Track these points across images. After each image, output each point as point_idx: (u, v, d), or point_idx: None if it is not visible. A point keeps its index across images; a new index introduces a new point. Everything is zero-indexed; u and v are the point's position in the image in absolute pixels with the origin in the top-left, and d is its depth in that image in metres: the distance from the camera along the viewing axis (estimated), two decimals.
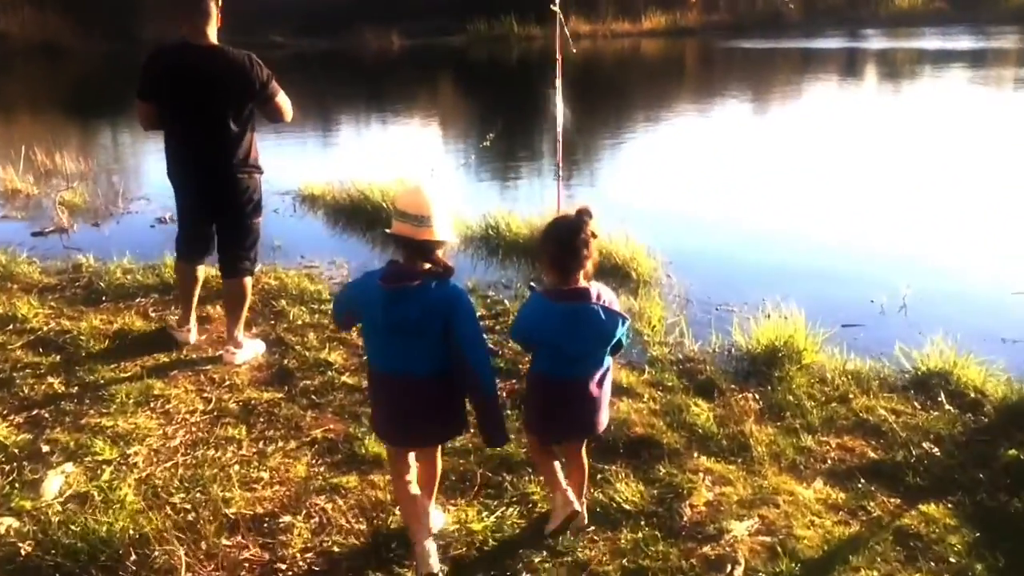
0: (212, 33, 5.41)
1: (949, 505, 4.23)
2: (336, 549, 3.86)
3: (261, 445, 4.73)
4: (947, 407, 5.22)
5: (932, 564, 3.81)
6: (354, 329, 5.04)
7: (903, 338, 6.06)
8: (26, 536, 3.87)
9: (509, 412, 4.93)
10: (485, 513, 4.09)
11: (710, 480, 4.36)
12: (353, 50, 35.03)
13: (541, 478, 4.21)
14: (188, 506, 4.11)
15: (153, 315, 6.54)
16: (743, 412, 5.11)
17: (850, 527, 4.04)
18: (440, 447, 3.96)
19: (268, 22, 34.56)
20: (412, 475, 3.84)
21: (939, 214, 9.88)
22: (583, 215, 3.63)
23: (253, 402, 5.21)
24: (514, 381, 5.41)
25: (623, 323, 3.71)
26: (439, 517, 3.99)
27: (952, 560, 3.83)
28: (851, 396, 5.36)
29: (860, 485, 4.39)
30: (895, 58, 32.05)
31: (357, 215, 10.07)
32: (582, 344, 3.67)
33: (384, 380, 3.71)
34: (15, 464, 4.48)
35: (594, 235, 3.63)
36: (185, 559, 3.71)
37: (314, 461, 4.58)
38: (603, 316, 3.62)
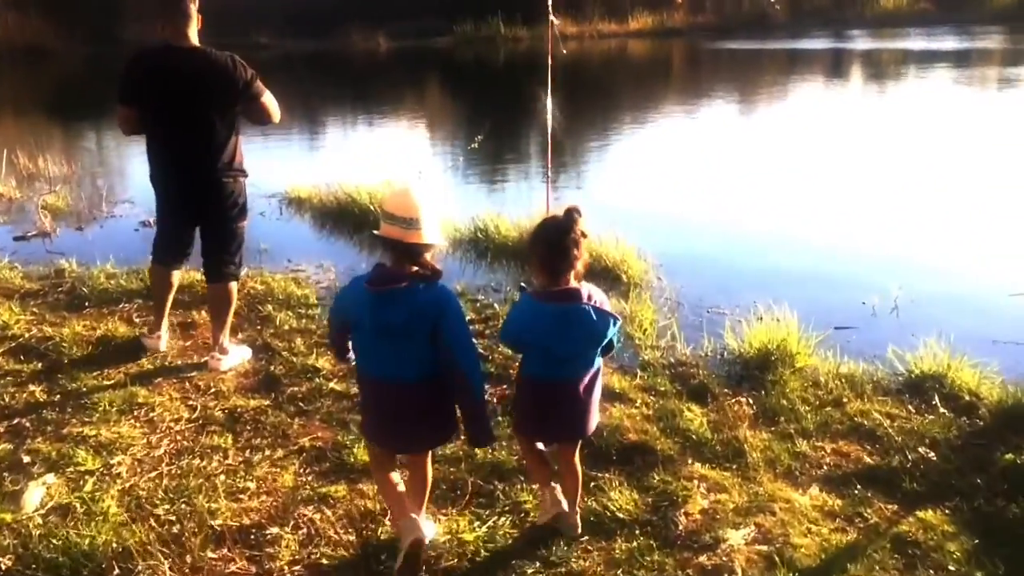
0: (193, 35, 5.32)
1: (947, 511, 4.17)
2: (325, 561, 3.78)
3: (247, 454, 4.64)
4: (942, 410, 5.17)
5: (931, 572, 3.75)
6: None
7: (896, 340, 6.01)
8: (6, 550, 3.77)
9: (500, 418, 4.86)
10: (477, 523, 4.02)
11: (705, 487, 4.30)
12: (340, 51, 34.96)
13: (534, 486, 4.16)
14: (173, 518, 4.03)
15: (137, 321, 6.43)
16: (737, 417, 5.05)
17: (847, 535, 3.98)
18: (430, 454, 3.90)
19: (253, 23, 34.49)
20: (395, 474, 3.86)
21: (927, 215, 9.87)
22: (572, 215, 3.58)
23: (239, 410, 5.12)
24: (504, 386, 5.33)
25: (614, 324, 3.66)
26: (430, 527, 3.91)
27: (951, 568, 3.78)
28: (845, 400, 5.30)
29: (856, 491, 4.33)
30: (880, 59, 32.11)
31: (344, 218, 9.99)
32: (572, 345, 3.62)
33: (374, 386, 3.66)
34: None
35: (584, 235, 3.58)
36: (170, 573, 3.63)
37: (302, 470, 4.49)
38: (594, 316, 3.58)
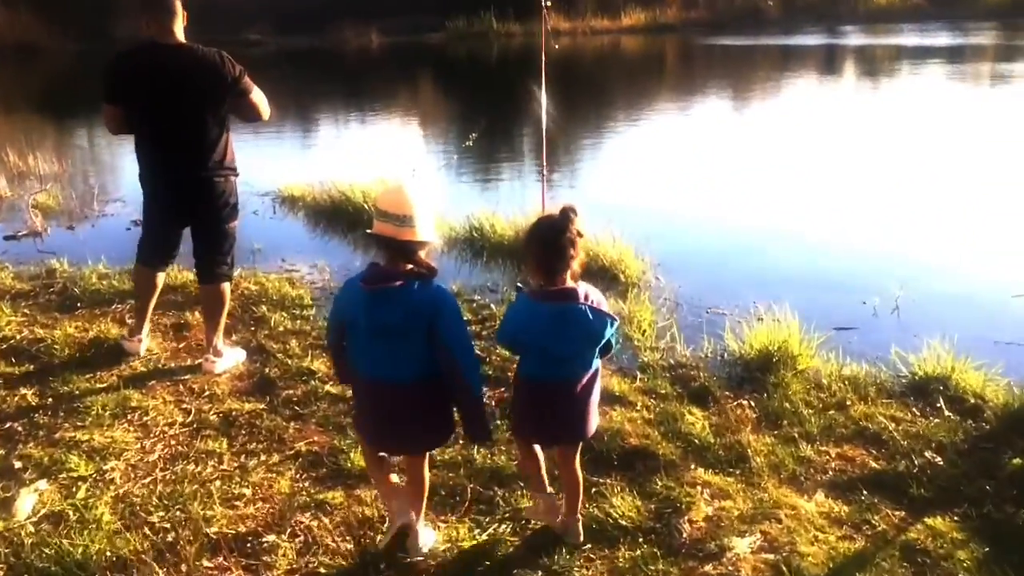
0: (179, 31, 5.22)
1: (955, 518, 4.11)
2: (323, 570, 3.71)
3: (243, 459, 4.56)
4: (947, 413, 5.11)
5: None
6: None
7: (898, 341, 5.95)
8: None
9: (499, 421, 4.79)
10: (477, 531, 3.95)
11: (708, 493, 4.23)
12: (332, 48, 34.85)
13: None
14: (167, 525, 3.96)
15: (130, 322, 6.32)
16: (739, 421, 4.98)
17: (855, 542, 3.91)
18: (427, 458, 3.84)
19: (245, 20, 34.39)
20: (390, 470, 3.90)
21: (925, 213, 9.81)
22: (568, 214, 3.53)
23: (234, 413, 5.04)
24: (503, 389, 5.26)
25: (611, 324, 3.61)
26: (429, 535, 3.85)
27: None
28: (849, 403, 5.24)
29: (863, 497, 4.27)
30: (874, 55, 32.14)
31: (338, 216, 9.90)
32: (569, 345, 3.57)
33: (369, 387, 3.60)
34: None
35: (580, 234, 3.53)
36: None
37: (298, 476, 4.42)
38: (590, 316, 3.53)
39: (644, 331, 6.32)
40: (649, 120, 18.45)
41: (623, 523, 3.97)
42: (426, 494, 3.86)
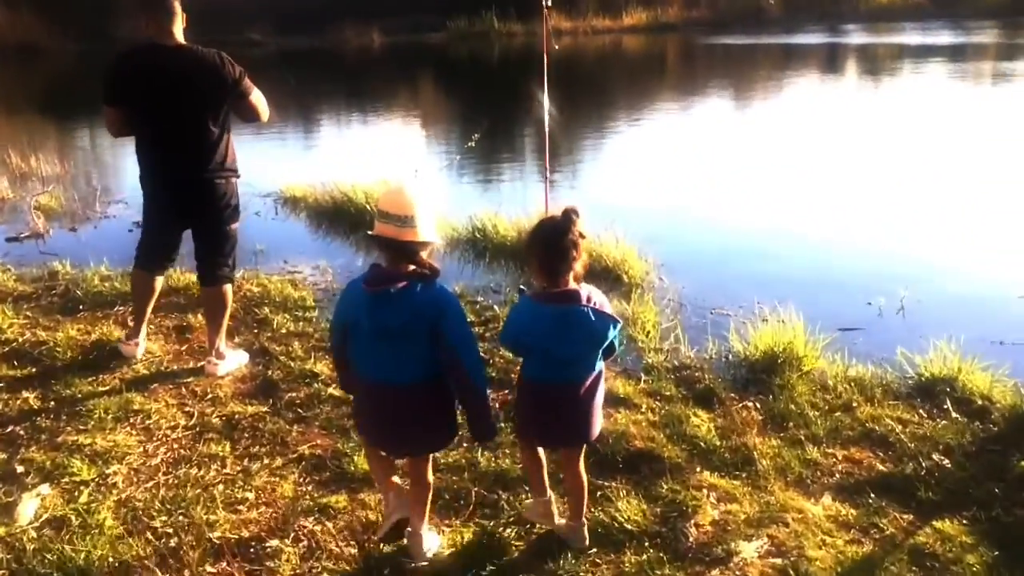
0: (179, 32, 5.19)
1: (964, 521, 4.08)
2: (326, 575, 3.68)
3: (246, 462, 4.54)
4: (954, 415, 5.08)
5: None
6: None
7: (903, 342, 5.92)
8: (0, 565, 3.67)
9: (503, 424, 4.75)
10: (481, 535, 3.92)
11: (715, 497, 4.20)
12: (333, 48, 34.82)
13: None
14: (170, 530, 3.93)
15: (132, 324, 6.30)
16: (745, 423, 4.95)
17: (863, 546, 3.88)
18: (431, 461, 3.81)
19: (246, 20, 34.38)
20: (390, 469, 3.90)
21: (929, 212, 9.78)
22: (570, 215, 3.51)
23: (237, 416, 5.02)
24: (506, 391, 5.23)
25: (615, 326, 3.59)
26: (434, 539, 3.83)
27: None
28: (855, 404, 5.21)
29: (871, 500, 4.24)
30: (876, 53, 32.11)
31: (340, 217, 9.88)
32: (572, 347, 3.55)
33: (372, 389, 3.58)
34: None
35: (582, 236, 3.52)
36: None
37: (301, 479, 4.39)
38: (593, 318, 3.51)
39: (648, 332, 6.29)
40: (651, 120, 18.42)
41: (629, 527, 3.94)
42: (429, 498, 3.83)
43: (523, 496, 4.18)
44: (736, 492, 4.25)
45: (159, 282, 5.76)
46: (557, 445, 3.93)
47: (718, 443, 4.71)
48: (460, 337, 3.45)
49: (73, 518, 4.00)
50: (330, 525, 3.99)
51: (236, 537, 3.89)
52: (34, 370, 5.58)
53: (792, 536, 3.89)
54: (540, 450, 3.91)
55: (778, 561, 3.73)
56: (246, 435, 4.82)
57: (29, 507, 4.08)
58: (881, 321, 6.72)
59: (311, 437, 4.78)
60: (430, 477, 3.81)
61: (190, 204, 5.39)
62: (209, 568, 3.69)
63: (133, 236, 8.87)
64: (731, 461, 4.55)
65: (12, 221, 9.86)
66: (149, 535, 3.87)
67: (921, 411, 5.16)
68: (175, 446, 4.70)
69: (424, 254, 3.45)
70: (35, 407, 5.09)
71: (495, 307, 6.77)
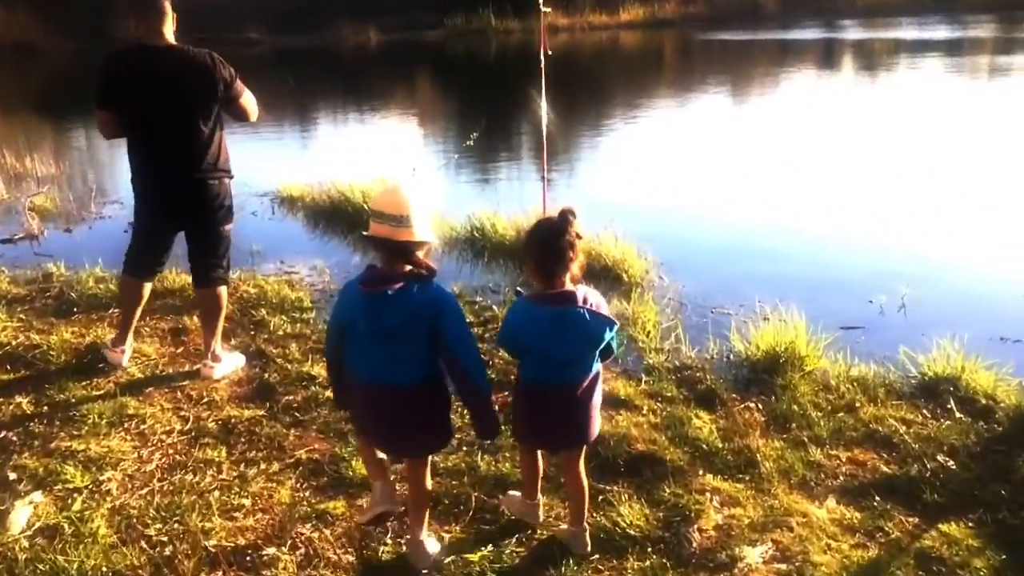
0: (169, 33, 5.11)
1: (970, 524, 4.02)
2: None
3: (242, 468, 4.47)
4: (958, 415, 5.02)
5: None
6: None
7: (905, 340, 5.87)
8: None
9: (502, 428, 4.68)
10: (482, 541, 3.85)
11: (718, 501, 4.14)
12: (330, 46, 34.76)
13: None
14: (165, 538, 3.87)
15: (118, 332, 6.21)
16: (747, 424, 4.89)
17: (868, 551, 3.82)
18: (429, 466, 3.77)
19: (242, 19, 34.36)
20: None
21: (930, 209, 9.72)
22: (567, 216, 3.48)
23: (233, 420, 4.95)
24: (506, 393, 5.15)
25: (611, 328, 3.55)
26: (433, 546, 3.77)
27: None
28: (858, 405, 5.16)
29: (875, 503, 4.18)
30: (872, 48, 32.03)
31: (338, 217, 9.81)
32: (568, 349, 3.52)
33: (368, 391, 3.54)
34: None
35: (579, 236, 3.48)
36: None
37: (298, 485, 4.32)
38: (589, 319, 3.47)
39: (648, 332, 6.23)
40: (649, 116, 18.36)
41: (631, 532, 3.88)
42: (428, 505, 3.78)
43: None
44: (739, 496, 4.19)
45: (147, 289, 5.65)
46: (555, 447, 3.91)
47: (720, 445, 4.65)
48: (459, 337, 3.42)
49: (66, 526, 3.93)
50: (328, 532, 3.93)
51: (232, 545, 3.83)
52: (27, 374, 5.52)
53: (797, 541, 3.84)
54: (539, 455, 3.87)
55: (783, 567, 3.67)
56: (242, 440, 4.76)
57: (21, 515, 4.01)
58: (883, 319, 6.66)
59: (308, 441, 4.72)
60: (428, 483, 3.77)
61: (182, 205, 5.31)
62: None
63: (128, 237, 8.76)
64: (734, 464, 4.50)
65: (6, 222, 9.79)
66: (143, 544, 3.81)
67: (925, 411, 5.10)
68: (170, 451, 4.64)
69: (421, 254, 3.41)
70: (28, 412, 5.03)
71: (494, 307, 6.71)
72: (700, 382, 5.48)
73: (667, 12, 43.67)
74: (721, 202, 10.18)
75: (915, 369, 5.59)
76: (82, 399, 5.17)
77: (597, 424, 3.76)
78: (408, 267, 3.36)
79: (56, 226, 9.75)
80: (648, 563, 3.68)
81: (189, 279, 6.01)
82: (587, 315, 3.46)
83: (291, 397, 5.23)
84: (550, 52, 6.72)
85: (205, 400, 5.21)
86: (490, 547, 3.81)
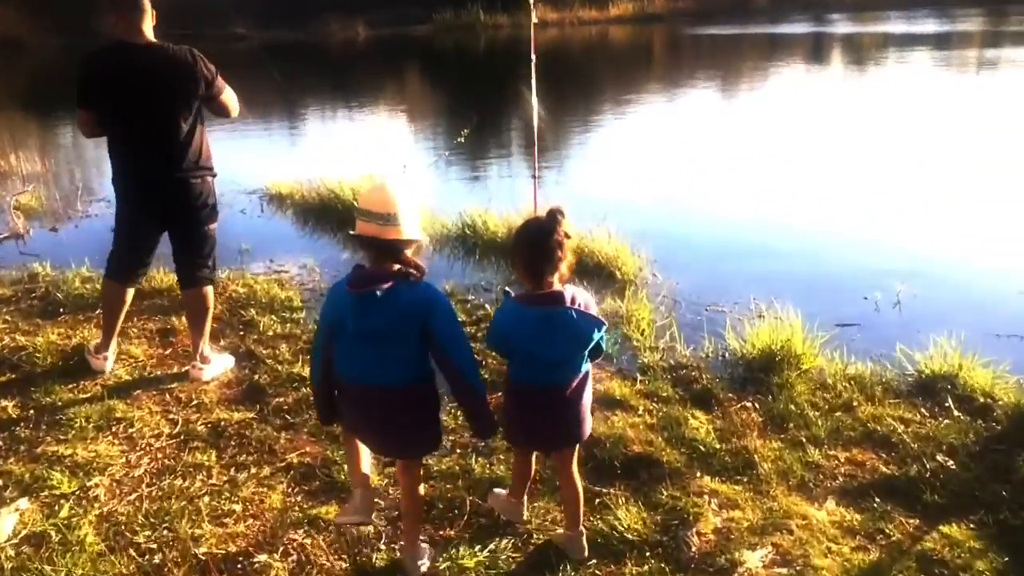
0: (149, 30, 5.02)
1: (971, 525, 3.97)
2: None
3: (232, 472, 4.40)
4: (956, 414, 4.97)
5: None
6: None
7: (901, 338, 5.82)
8: None
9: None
10: (477, 546, 3.78)
11: (716, 503, 4.08)
12: (318, 41, 34.63)
13: (536, 504, 3.99)
14: (154, 546, 3.79)
15: (101, 338, 6.12)
16: (744, 424, 4.83)
17: (870, 553, 3.77)
18: (423, 469, 3.70)
19: (229, 14, 34.22)
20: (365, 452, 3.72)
21: (924, 204, 9.68)
22: (556, 216, 3.42)
23: (223, 423, 4.87)
24: (499, 394, 5.08)
25: (599, 328, 3.49)
26: (428, 551, 3.70)
27: None
28: (855, 404, 5.10)
29: (875, 504, 4.13)
30: (861, 42, 32.08)
31: (327, 214, 9.72)
32: (556, 349, 3.46)
33: (357, 391, 3.46)
34: None
35: (568, 236, 3.42)
36: None
37: (290, 489, 4.25)
38: (576, 318, 3.41)
39: (643, 331, 6.17)
40: (639, 112, 18.29)
41: (629, 536, 3.82)
42: (422, 508, 3.73)
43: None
44: (738, 498, 4.13)
45: (130, 294, 5.55)
46: (546, 448, 3.87)
47: (718, 446, 4.59)
48: (451, 336, 3.36)
49: (53, 534, 3.86)
50: (320, 538, 3.86)
51: (223, 552, 3.76)
52: (12, 377, 5.43)
53: (797, 544, 3.78)
54: (533, 459, 3.83)
55: (783, 571, 3.62)
56: (232, 443, 4.68)
57: (7, 523, 3.93)
58: (878, 316, 6.61)
59: (299, 444, 4.65)
60: (421, 487, 3.71)
61: (164, 204, 5.22)
62: None
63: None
64: (732, 465, 4.44)
65: None
66: (132, 551, 3.74)
67: (923, 410, 5.05)
68: (159, 456, 4.56)
69: (409, 252, 3.35)
70: (13, 416, 4.94)
71: (486, 306, 6.64)
72: (696, 381, 5.42)
73: (656, 7, 43.70)
74: (714, 198, 10.12)
75: (912, 367, 5.53)
76: (69, 402, 5.09)
77: (588, 424, 3.71)
78: (396, 266, 3.29)
79: (42, 225, 9.64)
80: (646, 568, 3.63)
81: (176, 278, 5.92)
82: (575, 315, 3.41)
83: (282, 399, 5.16)
84: (535, 58, 6.68)
85: (194, 402, 5.13)
86: (486, 552, 3.74)
